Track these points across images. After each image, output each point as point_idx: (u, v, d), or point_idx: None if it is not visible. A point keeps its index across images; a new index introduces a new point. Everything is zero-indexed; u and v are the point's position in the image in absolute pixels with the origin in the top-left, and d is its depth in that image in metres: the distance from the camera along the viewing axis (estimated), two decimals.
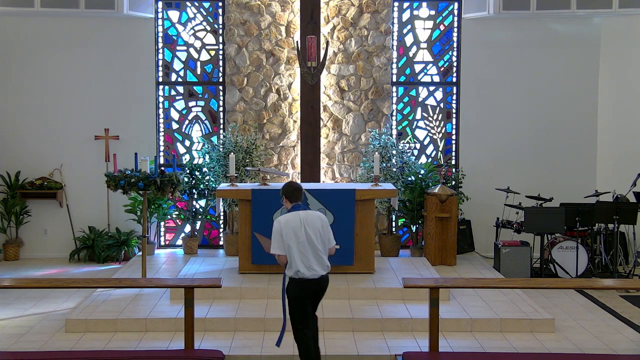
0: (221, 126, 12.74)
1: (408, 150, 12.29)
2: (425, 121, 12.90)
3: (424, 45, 12.84)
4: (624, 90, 12.59)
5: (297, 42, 12.01)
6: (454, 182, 12.06)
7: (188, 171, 12.15)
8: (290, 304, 7.13)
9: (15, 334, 8.49)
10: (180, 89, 12.78)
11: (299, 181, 12.12)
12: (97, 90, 12.54)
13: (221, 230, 12.88)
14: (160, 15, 12.68)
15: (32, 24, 12.38)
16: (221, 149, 12.02)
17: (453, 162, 12.89)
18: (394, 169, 11.97)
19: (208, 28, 12.75)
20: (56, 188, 12.37)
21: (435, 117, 12.89)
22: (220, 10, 12.67)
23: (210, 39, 12.77)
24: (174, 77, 12.77)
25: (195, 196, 12.30)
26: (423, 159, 12.86)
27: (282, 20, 12.41)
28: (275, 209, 9.89)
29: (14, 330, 8.61)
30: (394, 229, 12.63)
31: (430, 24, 12.83)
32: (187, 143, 12.85)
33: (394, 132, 12.74)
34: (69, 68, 12.49)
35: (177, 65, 12.75)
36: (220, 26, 12.69)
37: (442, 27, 12.82)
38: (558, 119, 12.74)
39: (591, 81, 12.71)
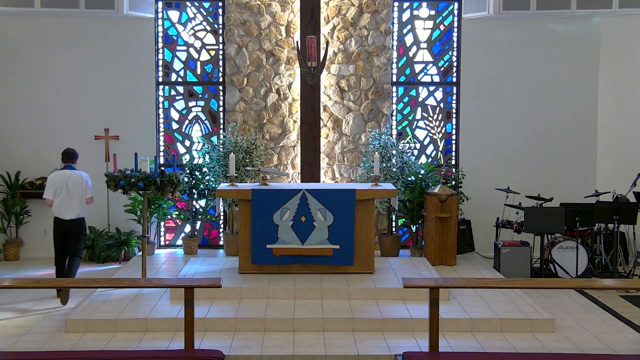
0: (221, 126, 12.74)
1: (408, 150, 12.28)
2: (425, 121, 12.90)
3: (424, 45, 12.84)
4: (624, 90, 12.58)
5: (297, 42, 12.01)
6: (454, 182, 12.06)
7: (188, 171, 12.16)
8: (53, 235, 10.08)
9: (15, 334, 8.48)
10: (180, 89, 12.78)
11: (299, 181, 12.21)
12: (97, 90, 12.54)
13: (221, 230, 12.88)
14: (160, 15, 12.69)
15: (32, 24, 12.39)
16: (221, 149, 12.02)
17: (453, 162, 12.90)
18: (394, 169, 11.97)
19: (208, 28, 12.75)
20: None
21: (435, 117, 12.90)
22: (220, 10, 12.68)
23: (210, 39, 12.77)
24: (174, 77, 12.77)
25: (195, 196, 12.30)
26: (423, 159, 12.87)
27: (282, 20, 12.41)
28: (275, 208, 9.90)
29: (14, 330, 8.60)
30: (394, 229, 12.63)
31: (430, 24, 12.83)
32: (187, 143, 12.85)
33: (394, 132, 12.74)
34: (69, 68, 12.50)
35: (177, 65, 12.76)
36: (220, 26, 12.69)
37: (442, 27, 12.82)
38: (558, 118, 12.74)
39: (591, 81, 12.71)
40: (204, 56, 12.78)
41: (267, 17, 12.39)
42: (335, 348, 7.99)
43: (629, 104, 12.52)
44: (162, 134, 12.80)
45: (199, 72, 12.77)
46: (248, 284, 9.54)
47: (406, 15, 12.82)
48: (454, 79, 12.86)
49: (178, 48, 12.75)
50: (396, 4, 12.75)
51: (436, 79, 12.88)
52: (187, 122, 12.83)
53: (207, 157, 12.22)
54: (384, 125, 12.48)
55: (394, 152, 12.05)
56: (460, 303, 9.25)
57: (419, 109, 12.90)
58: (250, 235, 9.98)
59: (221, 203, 11.35)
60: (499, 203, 12.14)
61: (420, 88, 12.88)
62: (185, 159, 12.76)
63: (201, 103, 12.81)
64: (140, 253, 10.38)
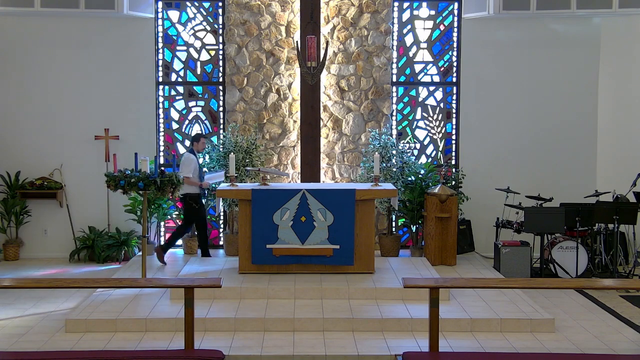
0: (221, 126, 12.73)
1: (408, 150, 12.28)
2: (425, 121, 12.89)
3: (424, 45, 12.83)
4: (624, 90, 12.57)
5: (297, 42, 12.00)
6: (454, 182, 12.04)
7: None
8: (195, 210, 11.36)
9: (15, 334, 8.46)
10: (180, 89, 12.77)
11: (299, 181, 12.21)
12: (97, 90, 12.52)
13: (221, 230, 12.86)
14: (160, 15, 12.67)
15: (32, 24, 12.37)
16: (221, 149, 12.01)
17: (453, 162, 12.88)
18: (394, 169, 11.96)
19: (208, 28, 12.74)
20: (56, 188, 12.36)
21: (435, 117, 12.89)
22: (220, 10, 12.67)
23: (210, 39, 12.76)
24: (174, 77, 12.75)
25: None
26: (423, 159, 12.86)
27: (282, 20, 12.40)
28: (275, 208, 9.89)
29: (14, 330, 8.58)
30: (394, 229, 12.61)
31: (430, 24, 12.82)
32: (187, 143, 12.79)
33: (394, 132, 12.73)
34: (69, 68, 12.48)
35: (177, 65, 12.74)
36: (220, 26, 12.68)
37: (442, 27, 12.81)
38: (558, 118, 12.73)
39: (591, 81, 12.70)
40: (204, 56, 12.76)
41: (267, 17, 12.38)
42: (335, 348, 7.96)
43: (629, 104, 12.51)
44: (162, 134, 12.79)
45: (199, 72, 12.75)
46: (248, 284, 9.53)
47: (406, 15, 12.81)
48: (454, 79, 12.84)
49: (178, 48, 12.73)
50: (396, 4, 12.74)
51: (436, 79, 12.87)
52: (187, 122, 12.81)
53: (207, 157, 12.19)
54: (384, 125, 12.47)
55: (394, 152, 12.04)
56: (460, 303, 9.22)
57: (419, 109, 12.89)
58: (250, 235, 9.97)
59: (221, 203, 11.34)
60: (499, 203, 12.12)
61: (420, 88, 12.87)
62: None
63: (201, 103, 12.79)
64: (140, 253, 10.35)
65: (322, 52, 11.90)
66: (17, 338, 8.30)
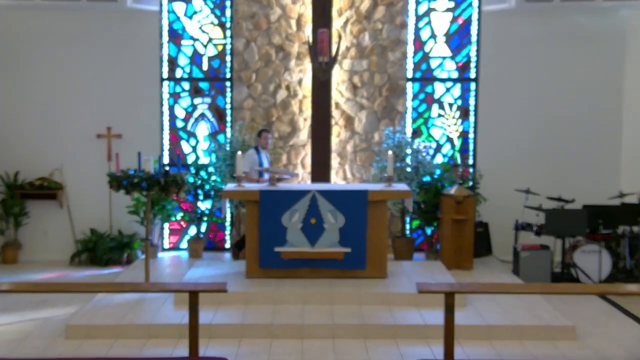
0: (228, 124, 12.64)
1: (423, 150, 12.13)
2: (442, 119, 12.74)
3: (441, 39, 12.64)
4: None
5: (308, 36, 11.92)
6: (471, 183, 11.92)
7: (193, 171, 12.13)
8: None
9: (14, 339, 8.40)
10: (186, 85, 12.67)
11: (309, 182, 12.14)
12: (99, 87, 12.43)
13: (227, 232, 12.76)
14: (165, 8, 12.55)
15: (33, 17, 12.28)
16: (228, 148, 11.92)
17: (470, 161, 12.73)
18: (408, 169, 11.88)
19: (215, 21, 12.63)
20: (56, 188, 12.29)
21: (452, 114, 12.72)
22: (228, 3, 12.56)
23: (217, 32, 12.64)
24: (179, 72, 12.64)
25: (201, 197, 12.21)
26: (439, 159, 12.71)
27: (292, 13, 12.27)
28: (284, 210, 9.80)
29: (13, 336, 8.52)
30: (407, 232, 12.44)
31: (448, 16, 12.61)
32: (193, 142, 12.73)
33: (409, 130, 12.59)
34: (70, 64, 12.39)
35: (183, 60, 12.63)
36: (228, 19, 12.58)
37: (460, 20, 12.61)
38: (581, 117, 12.51)
39: (616, 77, 12.46)
40: (211, 51, 12.64)
41: (276, 9, 12.25)
42: (345, 356, 7.89)
43: None
44: (166, 132, 12.69)
45: (205, 67, 12.66)
46: (255, 289, 9.47)
47: (423, 8, 12.61)
48: (473, 75, 12.66)
49: (184, 42, 12.62)
50: None
51: (454, 74, 12.68)
52: (192, 119, 12.71)
53: (213, 156, 12.15)
54: (399, 124, 12.33)
55: (409, 151, 11.94)
56: (476, 309, 9.11)
57: (435, 106, 12.72)
58: (258, 238, 9.87)
59: (227, 204, 11.20)
60: (518, 205, 11.88)
61: (437, 84, 12.69)
62: (191, 158, 12.66)
63: (207, 100, 12.69)
64: (144, 256, 10.44)
65: (335, 46, 11.81)
66: (15, 344, 8.26)
